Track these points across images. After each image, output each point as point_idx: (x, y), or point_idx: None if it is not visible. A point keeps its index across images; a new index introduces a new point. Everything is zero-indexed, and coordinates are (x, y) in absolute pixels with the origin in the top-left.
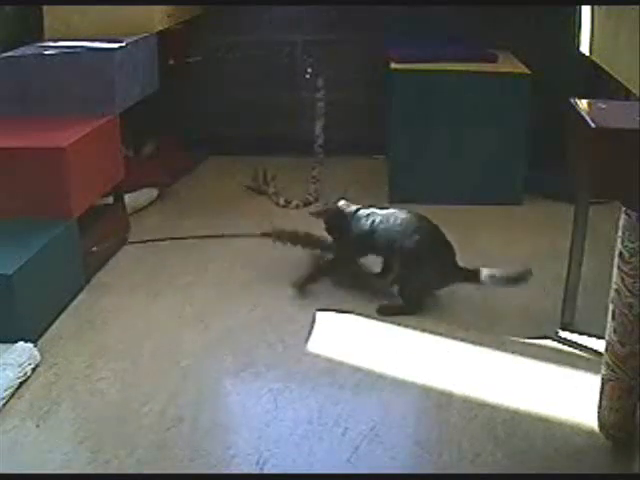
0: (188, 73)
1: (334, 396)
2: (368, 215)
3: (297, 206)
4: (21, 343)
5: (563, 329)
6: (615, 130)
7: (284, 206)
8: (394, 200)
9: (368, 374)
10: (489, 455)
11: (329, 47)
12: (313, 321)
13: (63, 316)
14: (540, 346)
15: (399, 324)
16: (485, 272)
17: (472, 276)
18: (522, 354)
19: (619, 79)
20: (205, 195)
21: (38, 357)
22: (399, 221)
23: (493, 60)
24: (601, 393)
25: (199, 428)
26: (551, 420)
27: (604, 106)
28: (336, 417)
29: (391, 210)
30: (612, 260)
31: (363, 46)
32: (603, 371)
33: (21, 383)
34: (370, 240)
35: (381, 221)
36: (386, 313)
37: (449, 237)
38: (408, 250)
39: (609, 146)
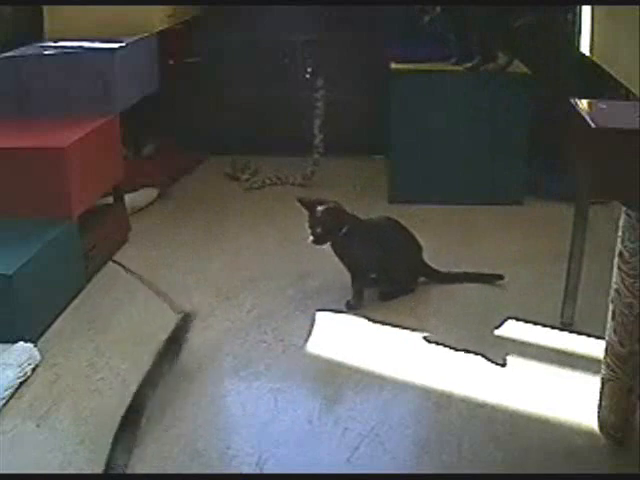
0: (188, 73)
1: (334, 396)
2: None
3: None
4: (21, 343)
5: (563, 329)
6: (615, 130)
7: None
8: (394, 200)
9: (368, 374)
10: (489, 455)
11: (329, 47)
12: (313, 321)
13: (63, 316)
14: (540, 346)
15: (399, 325)
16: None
17: (437, 276)
18: (522, 354)
19: (619, 79)
20: (205, 195)
21: (38, 357)
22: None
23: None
24: (601, 393)
25: (199, 428)
26: (551, 420)
27: (604, 106)
28: (336, 417)
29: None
30: (612, 260)
31: (363, 46)
32: (603, 371)
33: (21, 383)
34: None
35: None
36: (387, 298)
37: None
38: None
39: (609, 146)
